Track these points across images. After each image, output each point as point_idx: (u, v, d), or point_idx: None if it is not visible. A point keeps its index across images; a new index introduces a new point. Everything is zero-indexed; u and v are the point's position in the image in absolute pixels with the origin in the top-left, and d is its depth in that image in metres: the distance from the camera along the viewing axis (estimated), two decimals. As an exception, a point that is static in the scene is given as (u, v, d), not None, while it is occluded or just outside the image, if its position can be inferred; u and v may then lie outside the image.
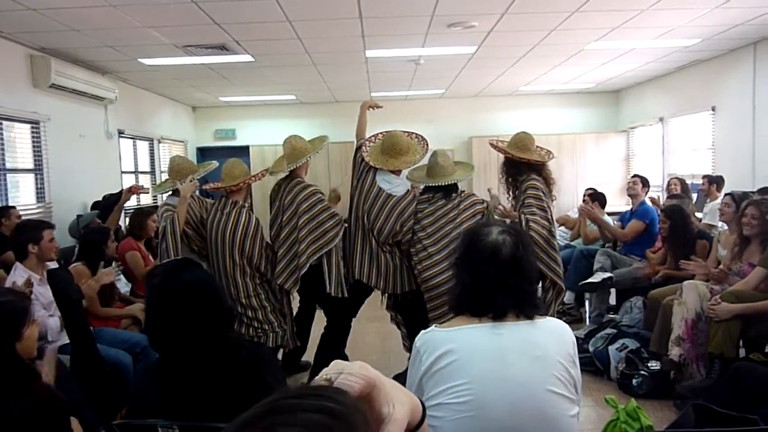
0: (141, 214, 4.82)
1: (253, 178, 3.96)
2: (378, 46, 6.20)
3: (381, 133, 4.09)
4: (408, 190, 3.89)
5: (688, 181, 6.78)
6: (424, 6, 4.86)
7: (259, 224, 3.86)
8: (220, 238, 3.77)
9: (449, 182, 3.74)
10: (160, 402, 1.75)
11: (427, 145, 4.03)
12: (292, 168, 3.87)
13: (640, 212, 5.41)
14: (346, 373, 0.63)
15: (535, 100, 10.36)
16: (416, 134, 4.12)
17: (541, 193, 3.75)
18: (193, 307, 1.77)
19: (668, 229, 4.63)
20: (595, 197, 6.23)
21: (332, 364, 0.66)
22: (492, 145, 4.06)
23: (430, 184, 3.77)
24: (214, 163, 4.21)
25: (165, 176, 8.88)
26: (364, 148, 4.03)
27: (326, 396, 0.53)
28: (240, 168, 3.94)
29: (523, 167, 3.84)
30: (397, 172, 3.92)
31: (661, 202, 5.96)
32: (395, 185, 3.86)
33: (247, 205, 3.95)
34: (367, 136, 4.14)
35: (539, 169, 3.87)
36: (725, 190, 6.06)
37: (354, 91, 9.24)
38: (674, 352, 3.66)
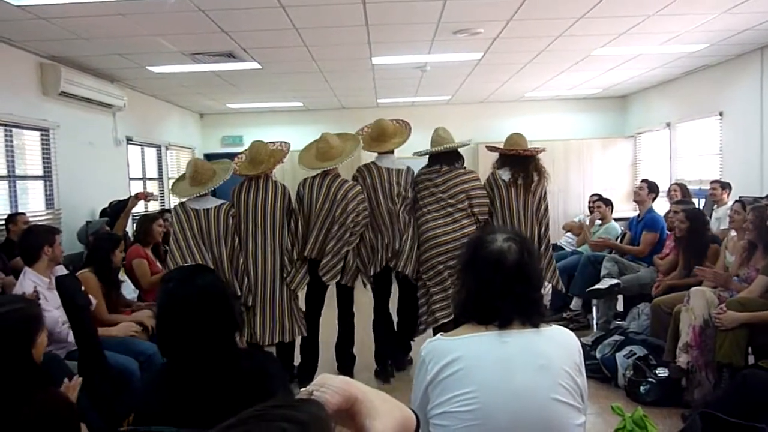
0: (147, 220, 4.85)
1: (281, 161, 4.33)
2: (384, 53, 6.22)
3: (367, 126, 4.58)
4: (408, 166, 4.43)
5: (696, 187, 6.73)
6: (430, 13, 4.88)
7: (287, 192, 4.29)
8: (264, 212, 4.13)
9: (449, 148, 4.30)
10: (166, 409, 1.76)
11: (410, 127, 4.56)
12: (328, 168, 4.22)
13: (649, 222, 5.35)
14: (326, 387, 0.66)
15: (541, 106, 10.35)
16: (400, 120, 4.63)
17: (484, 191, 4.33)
18: (205, 313, 1.78)
19: (686, 230, 4.52)
20: (606, 203, 6.23)
21: (319, 377, 0.69)
22: (488, 147, 4.66)
23: (433, 151, 4.32)
24: (232, 167, 4.31)
25: (173, 182, 9.00)
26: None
27: (299, 407, 0.59)
28: (264, 150, 4.23)
29: (506, 162, 4.33)
30: (391, 152, 4.44)
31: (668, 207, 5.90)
32: (395, 163, 4.39)
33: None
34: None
35: (532, 162, 4.28)
36: (734, 195, 6.02)
37: (360, 97, 9.27)
38: (682, 359, 3.63)
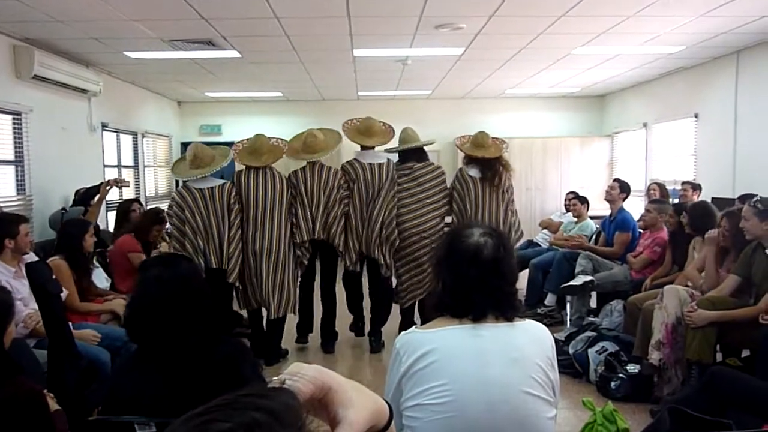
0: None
1: (280, 157, 4.68)
2: (366, 45, 6.19)
3: (356, 119, 5.00)
4: (388, 159, 4.87)
5: (671, 187, 6.86)
6: (412, 6, 4.87)
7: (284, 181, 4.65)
8: (269, 198, 4.49)
9: (416, 145, 4.89)
10: (137, 396, 1.74)
11: (393, 131, 5.01)
12: (314, 160, 4.67)
13: (621, 222, 5.42)
14: (299, 376, 0.65)
15: (521, 103, 10.40)
16: (385, 123, 5.05)
17: (447, 184, 4.88)
18: (182, 300, 1.78)
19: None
20: (582, 201, 6.30)
21: (292, 366, 0.68)
22: (459, 147, 5.02)
23: (403, 148, 4.88)
24: (231, 154, 4.61)
25: (150, 170, 8.89)
26: (343, 128, 4.98)
27: (270, 396, 0.57)
28: (266, 143, 4.61)
29: (473, 160, 4.78)
30: (371, 149, 4.88)
31: (643, 206, 6.00)
32: (374, 158, 4.81)
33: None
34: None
35: (498, 158, 4.74)
36: (705, 196, 6.14)
37: (341, 89, 9.23)
38: (654, 357, 3.69)
